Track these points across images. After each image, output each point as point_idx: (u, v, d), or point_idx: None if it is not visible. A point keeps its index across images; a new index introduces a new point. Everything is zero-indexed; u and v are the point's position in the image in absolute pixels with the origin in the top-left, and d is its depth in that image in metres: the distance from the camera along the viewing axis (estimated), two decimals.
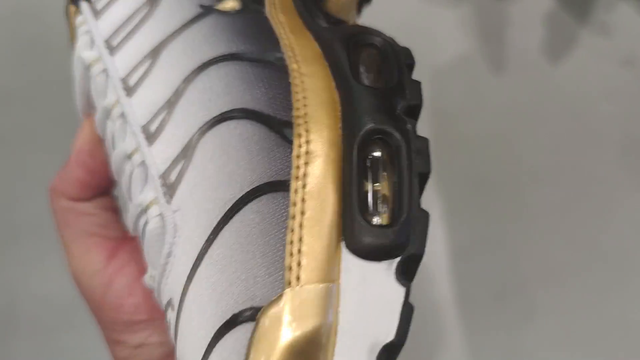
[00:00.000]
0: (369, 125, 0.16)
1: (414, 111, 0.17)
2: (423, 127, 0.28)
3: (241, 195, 0.16)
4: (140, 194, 0.18)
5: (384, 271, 0.14)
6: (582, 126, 0.54)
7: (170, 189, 0.17)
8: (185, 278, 0.16)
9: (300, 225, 0.15)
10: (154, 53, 0.19)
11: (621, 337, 0.53)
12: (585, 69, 0.54)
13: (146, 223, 0.18)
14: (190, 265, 0.16)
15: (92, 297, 0.22)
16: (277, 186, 0.16)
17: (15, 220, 0.54)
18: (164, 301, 0.18)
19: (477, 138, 0.53)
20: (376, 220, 0.15)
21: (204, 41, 0.19)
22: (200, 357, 0.15)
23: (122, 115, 0.19)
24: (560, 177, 0.54)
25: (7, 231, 0.54)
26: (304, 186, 0.15)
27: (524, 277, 0.49)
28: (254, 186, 0.16)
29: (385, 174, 0.16)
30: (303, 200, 0.15)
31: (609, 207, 0.54)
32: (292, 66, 0.17)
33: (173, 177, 0.17)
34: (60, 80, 0.53)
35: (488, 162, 0.52)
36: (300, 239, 0.14)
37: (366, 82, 0.17)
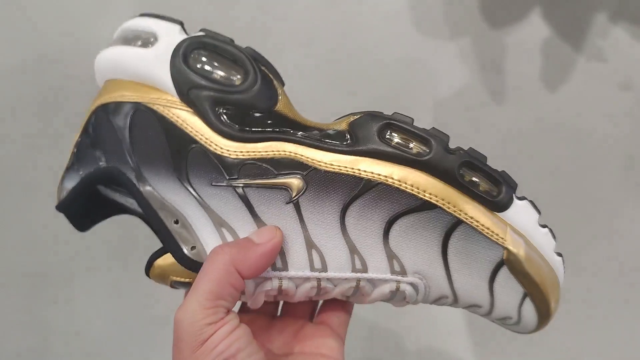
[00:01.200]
0: (460, 161, 0.29)
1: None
2: None
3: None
4: (383, 286, 0.29)
5: (518, 202, 0.29)
6: (582, 149, 0.55)
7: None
8: (447, 282, 0.29)
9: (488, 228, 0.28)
10: (352, 252, 0.28)
11: (628, 359, 0.53)
12: (584, 93, 0.55)
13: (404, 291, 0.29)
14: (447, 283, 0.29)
15: (193, 340, 0.26)
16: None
17: (46, 261, 0.55)
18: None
19: None
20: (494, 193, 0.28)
21: (369, 227, 0.28)
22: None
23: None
24: (563, 200, 0.55)
25: (39, 271, 0.55)
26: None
27: None
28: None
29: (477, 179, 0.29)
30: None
31: (613, 227, 0.55)
32: (462, 217, 0.28)
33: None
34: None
35: None
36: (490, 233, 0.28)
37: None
